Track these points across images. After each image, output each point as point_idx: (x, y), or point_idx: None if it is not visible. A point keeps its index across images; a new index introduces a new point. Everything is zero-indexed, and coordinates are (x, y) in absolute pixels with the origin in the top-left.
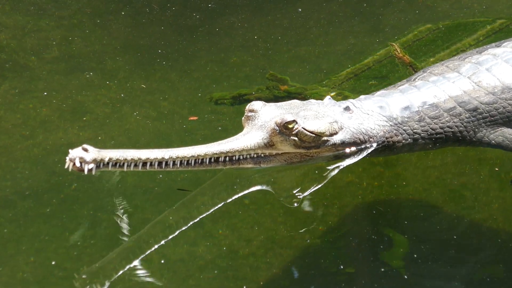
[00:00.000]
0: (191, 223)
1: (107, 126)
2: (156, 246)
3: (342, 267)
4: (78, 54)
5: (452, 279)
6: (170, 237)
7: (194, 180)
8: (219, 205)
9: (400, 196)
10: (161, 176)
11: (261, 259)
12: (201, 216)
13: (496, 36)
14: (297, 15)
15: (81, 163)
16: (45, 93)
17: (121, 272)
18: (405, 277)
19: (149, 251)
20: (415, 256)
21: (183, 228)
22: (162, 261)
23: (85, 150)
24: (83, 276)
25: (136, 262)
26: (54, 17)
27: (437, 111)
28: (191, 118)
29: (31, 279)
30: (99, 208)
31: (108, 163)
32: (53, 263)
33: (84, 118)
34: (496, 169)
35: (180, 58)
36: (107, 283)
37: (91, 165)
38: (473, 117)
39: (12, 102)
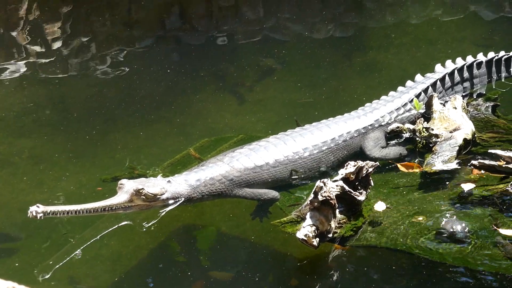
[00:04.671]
0: (92, 240)
1: (62, 189)
2: (77, 251)
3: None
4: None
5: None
6: (82, 247)
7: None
8: (107, 231)
9: (201, 220)
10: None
11: (134, 256)
12: (99, 236)
13: (239, 144)
14: (142, 136)
15: (36, 214)
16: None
17: (58, 265)
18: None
19: (74, 253)
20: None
21: (89, 242)
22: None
23: (38, 206)
24: (36, 271)
25: (66, 260)
26: None
27: (213, 181)
28: (98, 189)
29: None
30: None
31: (49, 213)
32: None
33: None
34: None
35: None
36: (51, 273)
37: (40, 215)
38: (231, 184)
39: None
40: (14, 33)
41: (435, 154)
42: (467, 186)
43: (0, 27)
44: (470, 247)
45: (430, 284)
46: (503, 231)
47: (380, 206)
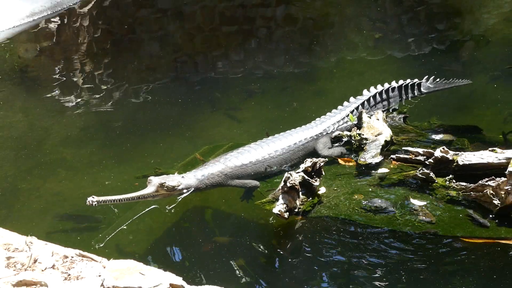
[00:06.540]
0: (131, 220)
1: (110, 185)
2: (122, 226)
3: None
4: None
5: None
6: (125, 224)
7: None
8: (141, 212)
9: (206, 203)
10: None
11: (161, 229)
12: (135, 216)
13: (230, 149)
14: (162, 146)
15: (92, 202)
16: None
17: (109, 237)
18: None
19: (119, 228)
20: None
21: (130, 221)
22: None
23: (93, 197)
24: (92, 242)
25: (114, 233)
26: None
27: (213, 176)
28: (136, 184)
29: None
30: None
31: (101, 202)
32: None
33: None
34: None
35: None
36: (103, 243)
37: (95, 203)
38: (225, 177)
39: None
40: (74, 79)
41: (365, 152)
42: (381, 170)
43: (65, 75)
44: (394, 215)
45: (368, 242)
46: (414, 202)
47: (322, 189)
